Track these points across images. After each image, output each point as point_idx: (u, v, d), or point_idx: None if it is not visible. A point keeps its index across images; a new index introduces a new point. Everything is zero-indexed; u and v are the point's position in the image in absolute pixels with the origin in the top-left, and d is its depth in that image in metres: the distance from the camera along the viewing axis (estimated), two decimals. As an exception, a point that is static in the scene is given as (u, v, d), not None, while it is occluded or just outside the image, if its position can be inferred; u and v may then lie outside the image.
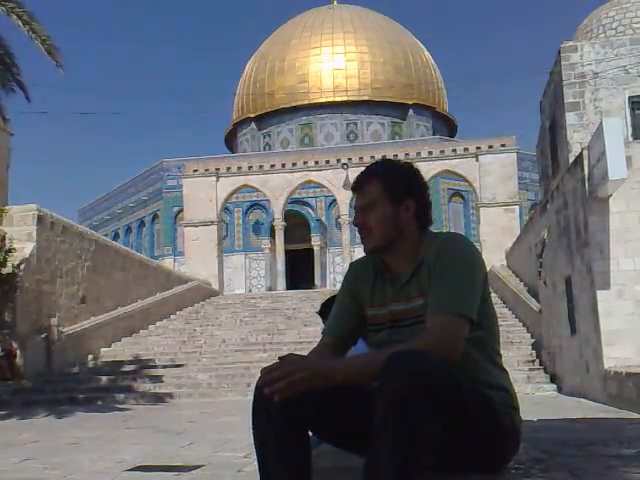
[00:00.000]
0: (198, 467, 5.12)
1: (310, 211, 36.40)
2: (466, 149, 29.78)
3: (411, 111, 43.24)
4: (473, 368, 1.99)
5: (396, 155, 29.71)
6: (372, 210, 2.08)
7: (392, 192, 2.08)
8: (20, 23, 12.94)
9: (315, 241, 35.62)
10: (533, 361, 14.74)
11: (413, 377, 1.71)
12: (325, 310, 3.31)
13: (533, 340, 15.65)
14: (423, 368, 1.74)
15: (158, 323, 21.07)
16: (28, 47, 13.25)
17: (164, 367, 16.13)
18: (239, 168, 30.94)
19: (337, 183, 30.12)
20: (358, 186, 2.14)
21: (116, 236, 39.95)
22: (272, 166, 30.83)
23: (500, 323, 2.37)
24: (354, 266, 2.27)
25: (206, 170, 30.65)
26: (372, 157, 29.57)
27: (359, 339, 2.27)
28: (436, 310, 1.94)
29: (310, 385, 1.82)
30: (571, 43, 14.97)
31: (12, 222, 15.40)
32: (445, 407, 1.76)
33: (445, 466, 1.90)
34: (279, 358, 1.93)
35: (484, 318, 2.03)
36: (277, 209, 30.87)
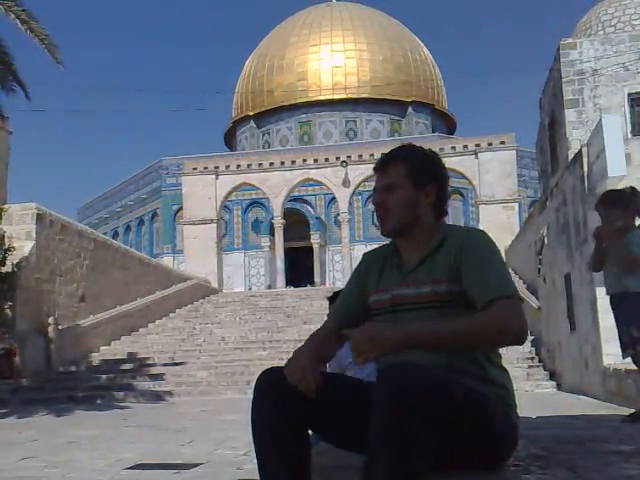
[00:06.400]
0: (198, 465, 5.12)
1: (309, 209, 36.38)
2: (465, 146, 29.77)
3: (410, 108, 43.21)
4: (471, 365, 1.99)
5: (395, 153, 29.70)
6: (393, 191, 2.07)
7: (415, 176, 2.08)
8: (18, 22, 12.92)
9: (314, 239, 35.61)
10: (532, 358, 14.74)
11: (408, 392, 1.70)
12: (334, 297, 3.35)
13: (532, 337, 15.65)
14: (419, 382, 1.73)
15: (157, 321, 21.06)
16: (26, 44, 13.25)
17: (164, 365, 16.13)
18: (238, 166, 30.94)
19: (336, 181, 30.12)
20: (381, 166, 2.12)
21: (115, 234, 39.94)
22: (271, 164, 30.82)
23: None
24: (366, 255, 2.29)
25: (205, 168, 30.64)
26: (371, 155, 29.50)
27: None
28: (491, 295, 1.91)
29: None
30: (570, 40, 14.94)
31: (11, 221, 15.39)
32: (442, 420, 1.76)
33: (442, 465, 1.89)
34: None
35: None
36: (276, 207, 30.86)
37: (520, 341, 1.92)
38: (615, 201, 5.00)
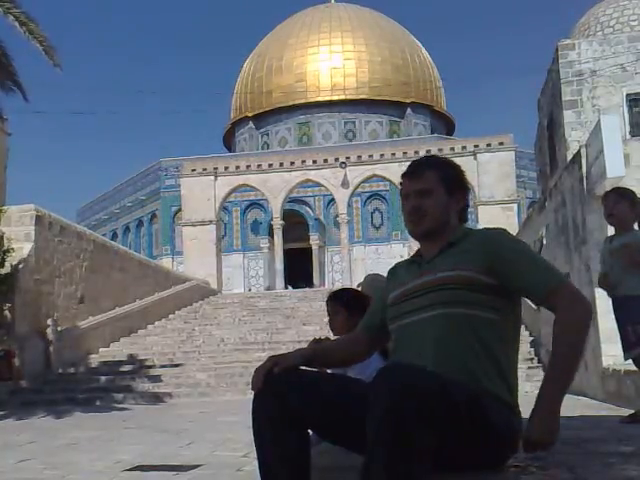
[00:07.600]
0: (197, 466, 5.11)
1: (308, 210, 36.39)
2: (464, 147, 29.80)
3: (409, 110, 43.24)
4: (471, 365, 1.99)
5: (394, 154, 29.69)
6: (429, 196, 2.20)
7: (447, 183, 2.23)
8: (17, 24, 12.92)
9: (314, 240, 35.61)
10: (532, 359, 14.74)
11: (405, 393, 1.71)
12: (334, 296, 3.36)
13: (532, 338, 15.66)
14: (416, 382, 1.74)
15: (157, 323, 21.04)
16: (25, 46, 13.25)
17: (163, 367, 16.11)
18: (237, 167, 30.92)
19: (335, 182, 30.09)
20: (415, 172, 2.25)
21: (114, 236, 39.92)
22: (270, 165, 30.81)
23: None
24: (393, 265, 2.43)
25: (204, 169, 30.62)
26: (370, 156, 29.53)
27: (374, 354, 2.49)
28: (548, 287, 2.03)
29: None
30: (569, 41, 14.96)
31: (10, 222, 15.36)
32: (439, 421, 1.76)
33: (441, 466, 1.89)
34: None
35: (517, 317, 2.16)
36: (275, 208, 30.85)
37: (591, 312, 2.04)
38: (626, 194, 5.03)
